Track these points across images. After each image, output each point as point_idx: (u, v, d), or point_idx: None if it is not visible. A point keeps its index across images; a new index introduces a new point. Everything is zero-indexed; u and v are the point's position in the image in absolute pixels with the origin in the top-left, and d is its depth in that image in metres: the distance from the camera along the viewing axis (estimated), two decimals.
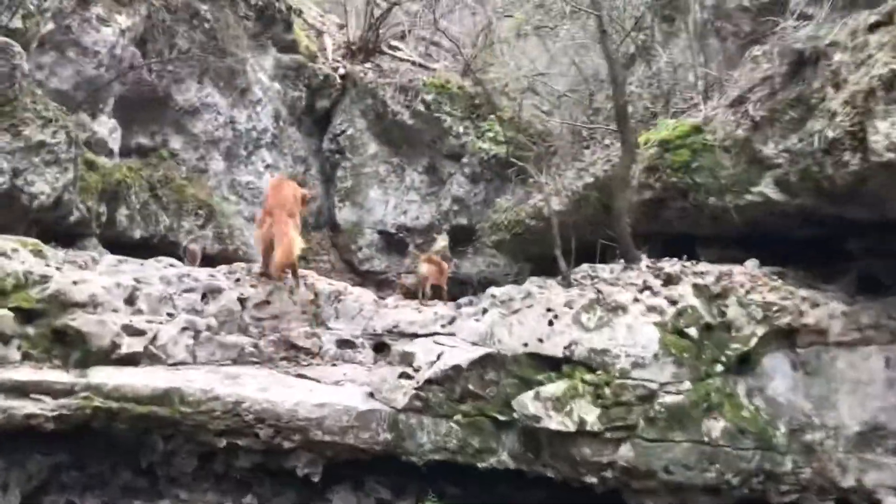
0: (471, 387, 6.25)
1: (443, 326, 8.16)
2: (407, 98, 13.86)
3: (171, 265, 8.41)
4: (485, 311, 6.98)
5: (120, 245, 10.92)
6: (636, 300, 6.25)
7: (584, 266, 7.27)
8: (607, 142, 8.69)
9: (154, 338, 6.87)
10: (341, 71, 14.53)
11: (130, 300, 7.15)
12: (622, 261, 7.13)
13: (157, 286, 7.44)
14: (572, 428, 5.74)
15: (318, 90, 14.45)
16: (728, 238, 7.53)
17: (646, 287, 6.43)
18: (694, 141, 7.06)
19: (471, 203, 13.83)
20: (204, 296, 7.74)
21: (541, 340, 6.24)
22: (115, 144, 11.31)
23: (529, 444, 6.11)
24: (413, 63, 14.78)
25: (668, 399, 5.79)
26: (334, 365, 7.92)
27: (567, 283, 6.90)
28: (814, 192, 6.15)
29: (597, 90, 10.01)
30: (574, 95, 10.83)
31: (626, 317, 6.11)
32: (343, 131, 14.44)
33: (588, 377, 5.92)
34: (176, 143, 12.60)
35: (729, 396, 5.94)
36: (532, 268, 9.72)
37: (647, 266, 6.87)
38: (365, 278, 14.11)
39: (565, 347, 6.11)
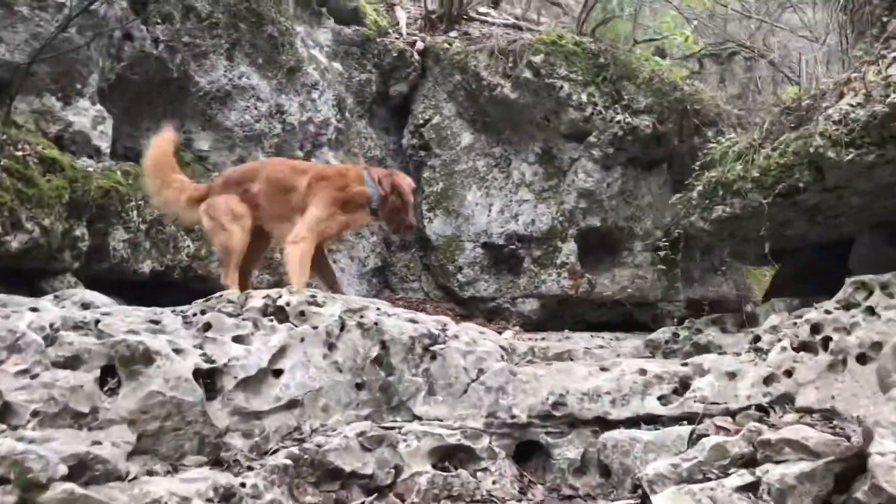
0: None
1: (663, 402, 3.06)
2: (508, 64, 8.77)
3: (89, 304, 3.41)
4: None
5: (119, 283, 6.24)
6: None
7: None
8: None
9: None
10: (419, 45, 9.54)
11: None
12: None
13: None
14: None
15: (392, 71, 9.47)
16: None
17: None
18: None
19: (603, 197, 8.64)
20: (108, 373, 2.67)
21: None
22: (102, 141, 6.58)
23: None
24: (511, 27, 9.73)
25: None
26: None
27: None
28: None
29: None
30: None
31: None
32: (427, 121, 9.38)
33: None
34: (203, 141, 7.84)
35: None
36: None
37: None
38: (470, 308, 8.97)
39: None
